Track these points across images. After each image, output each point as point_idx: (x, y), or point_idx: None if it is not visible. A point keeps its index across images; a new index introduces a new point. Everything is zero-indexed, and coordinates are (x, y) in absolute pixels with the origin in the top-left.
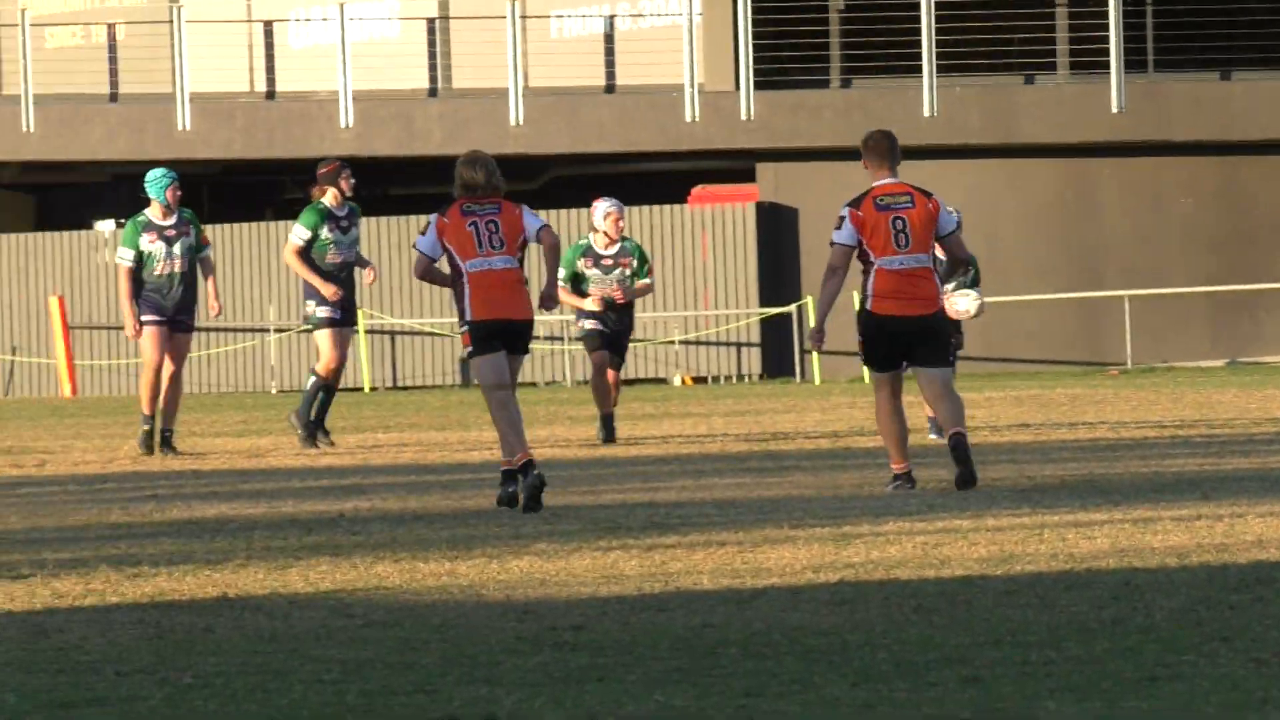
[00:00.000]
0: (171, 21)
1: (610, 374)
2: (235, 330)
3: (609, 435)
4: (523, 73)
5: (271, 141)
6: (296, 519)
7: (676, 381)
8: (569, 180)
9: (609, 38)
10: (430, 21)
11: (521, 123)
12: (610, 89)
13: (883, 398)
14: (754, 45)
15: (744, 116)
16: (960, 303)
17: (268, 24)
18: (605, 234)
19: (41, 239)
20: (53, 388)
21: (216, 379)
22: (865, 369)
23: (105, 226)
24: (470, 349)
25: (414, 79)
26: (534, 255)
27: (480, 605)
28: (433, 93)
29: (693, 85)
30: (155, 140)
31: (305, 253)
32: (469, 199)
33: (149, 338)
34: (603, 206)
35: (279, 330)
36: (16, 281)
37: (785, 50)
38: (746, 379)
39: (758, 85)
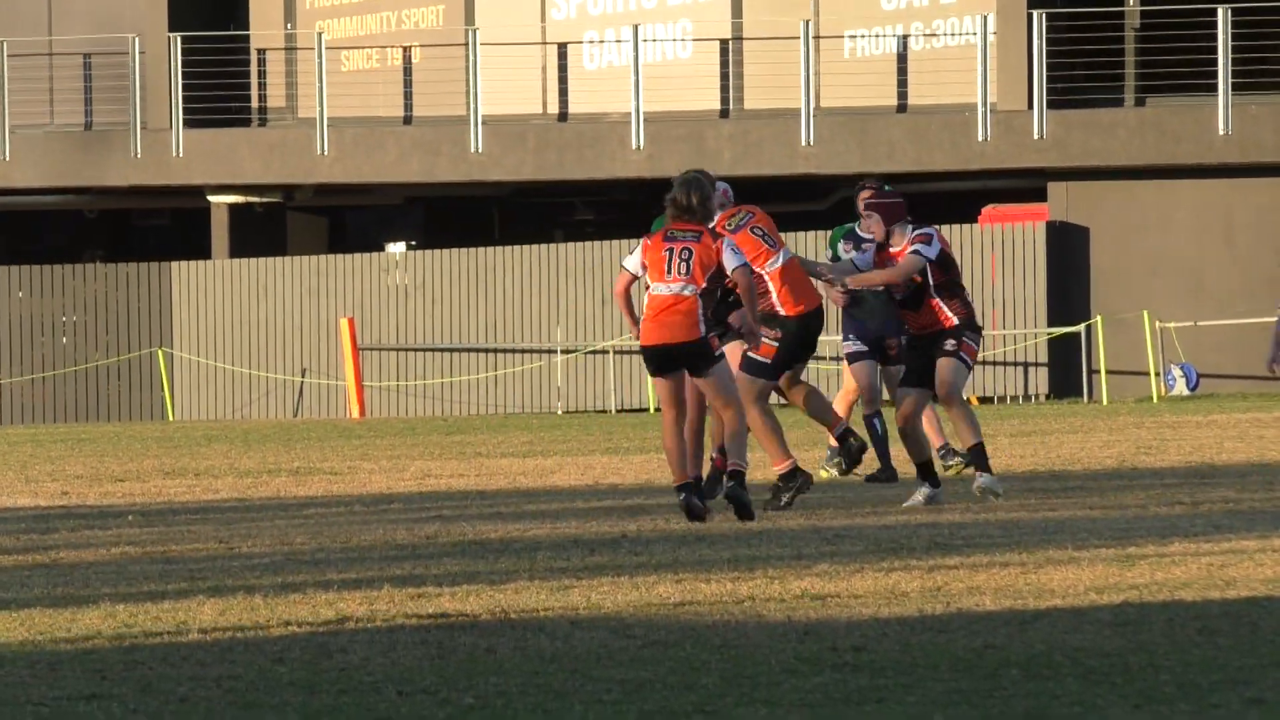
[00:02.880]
0: (466, 44)
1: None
2: (523, 351)
3: (887, 474)
4: (814, 93)
5: (562, 163)
6: (580, 539)
7: None
8: None
9: (902, 58)
10: (723, 43)
11: (812, 143)
12: (902, 109)
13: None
14: (1047, 64)
15: (1036, 135)
16: None
17: (561, 46)
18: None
19: (333, 261)
20: (341, 409)
21: (503, 399)
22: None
23: (397, 248)
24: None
25: (705, 100)
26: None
27: (761, 626)
28: (724, 113)
29: (985, 105)
30: (448, 162)
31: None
32: (676, 224)
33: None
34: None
35: (566, 351)
36: (308, 303)
37: (1079, 69)
38: (1033, 399)
39: (1050, 104)
